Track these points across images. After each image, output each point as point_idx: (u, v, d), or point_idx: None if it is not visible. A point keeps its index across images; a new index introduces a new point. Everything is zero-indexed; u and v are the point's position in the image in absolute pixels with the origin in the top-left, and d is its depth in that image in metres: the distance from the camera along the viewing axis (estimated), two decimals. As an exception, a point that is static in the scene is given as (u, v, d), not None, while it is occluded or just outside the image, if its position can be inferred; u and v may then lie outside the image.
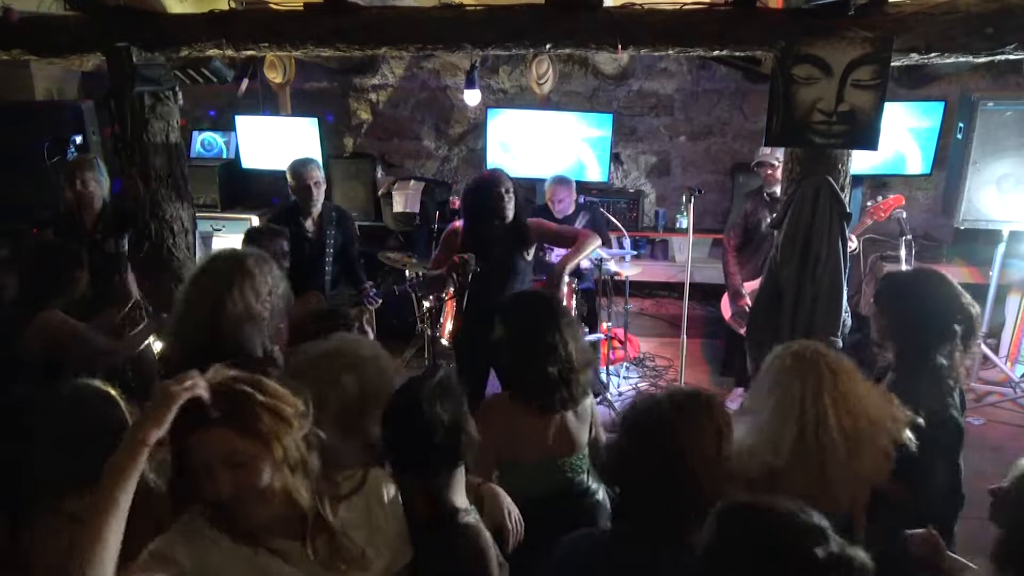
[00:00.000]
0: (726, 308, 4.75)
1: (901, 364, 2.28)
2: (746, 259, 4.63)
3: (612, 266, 4.69)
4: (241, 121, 5.90)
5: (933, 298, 2.20)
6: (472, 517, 1.76)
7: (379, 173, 6.11)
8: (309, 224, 3.91)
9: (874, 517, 1.98)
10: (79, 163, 4.01)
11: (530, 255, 3.55)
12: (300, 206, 3.91)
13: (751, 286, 4.34)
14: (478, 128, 6.30)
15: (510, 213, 3.35)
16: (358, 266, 4.22)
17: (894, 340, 2.31)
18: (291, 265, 3.36)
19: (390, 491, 1.64)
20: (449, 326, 4.55)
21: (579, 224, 4.87)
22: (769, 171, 4.31)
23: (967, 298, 2.22)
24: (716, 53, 3.11)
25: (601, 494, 2.41)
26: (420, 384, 1.72)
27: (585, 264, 4.72)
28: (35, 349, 2.88)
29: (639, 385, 5.04)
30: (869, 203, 4.31)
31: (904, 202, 4.17)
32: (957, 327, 2.17)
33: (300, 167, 3.91)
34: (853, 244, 4.11)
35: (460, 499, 1.77)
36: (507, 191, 3.34)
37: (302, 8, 3.25)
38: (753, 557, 1.22)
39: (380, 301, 4.18)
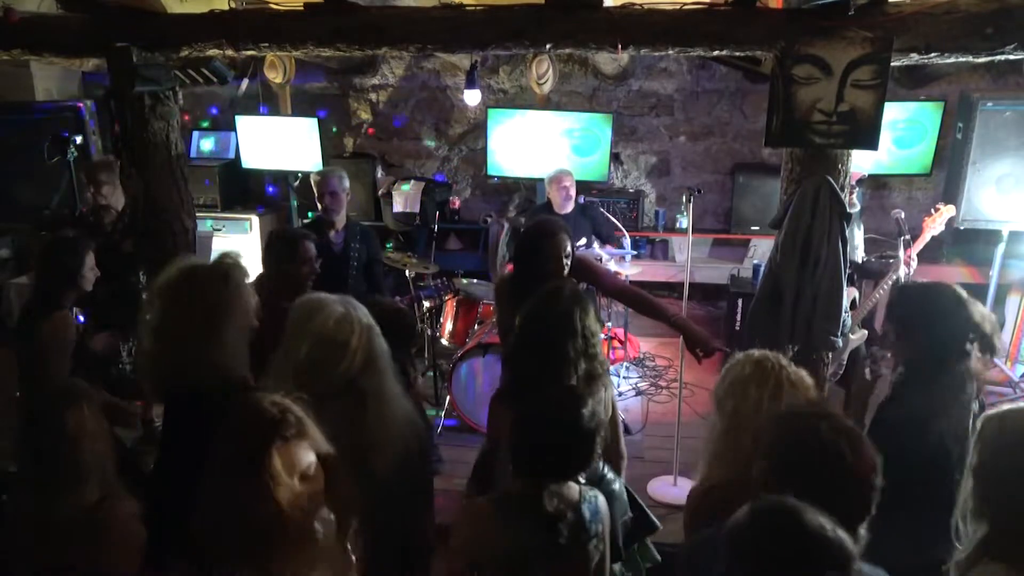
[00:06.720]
0: None
1: (913, 376, 2.22)
2: None
3: (612, 266, 4.69)
4: (241, 121, 5.91)
5: (946, 316, 2.15)
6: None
7: (379, 173, 6.11)
8: (333, 235, 4.01)
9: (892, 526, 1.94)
10: (98, 165, 4.05)
11: None
12: (325, 218, 4.02)
13: None
14: (478, 128, 6.31)
15: (566, 271, 3.14)
16: (383, 285, 4.27)
17: (904, 353, 2.26)
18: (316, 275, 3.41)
19: None
20: (449, 326, 4.55)
21: (576, 226, 4.85)
22: None
23: (980, 313, 2.16)
24: (716, 53, 3.10)
25: (617, 484, 2.36)
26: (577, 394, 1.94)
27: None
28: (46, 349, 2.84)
29: (639, 385, 5.04)
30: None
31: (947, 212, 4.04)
32: (970, 345, 2.12)
33: (317, 177, 4.03)
34: (911, 266, 3.87)
35: None
36: (567, 253, 3.10)
37: (302, 8, 3.25)
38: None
39: None
